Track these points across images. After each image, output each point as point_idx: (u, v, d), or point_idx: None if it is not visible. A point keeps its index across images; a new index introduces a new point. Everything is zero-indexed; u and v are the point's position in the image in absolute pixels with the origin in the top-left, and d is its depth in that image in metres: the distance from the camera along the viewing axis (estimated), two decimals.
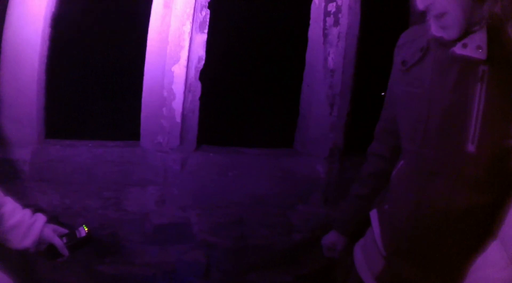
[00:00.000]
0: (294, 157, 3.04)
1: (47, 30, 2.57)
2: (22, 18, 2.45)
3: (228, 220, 2.81)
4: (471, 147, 1.28)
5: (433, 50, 1.38)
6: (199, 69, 2.79)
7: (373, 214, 1.63)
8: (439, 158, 1.34)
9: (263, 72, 4.75)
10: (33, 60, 2.53)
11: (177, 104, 2.72)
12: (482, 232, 1.15)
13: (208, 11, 2.75)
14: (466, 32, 1.29)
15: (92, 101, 3.72)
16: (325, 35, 2.88)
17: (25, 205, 1.87)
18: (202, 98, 2.83)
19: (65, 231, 1.97)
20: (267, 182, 2.90)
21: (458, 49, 1.29)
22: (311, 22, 2.97)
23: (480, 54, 1.26)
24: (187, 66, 2.71)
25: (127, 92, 3.10)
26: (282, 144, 3.23)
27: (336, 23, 2.84)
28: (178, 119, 2.74)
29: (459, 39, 1.29)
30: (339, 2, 2.82)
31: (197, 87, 2.81)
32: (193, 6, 2.66)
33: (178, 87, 2.70)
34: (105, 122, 3.55)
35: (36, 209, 1.96)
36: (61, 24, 2.63)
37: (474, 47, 1.27)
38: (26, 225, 1.79)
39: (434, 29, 1.35)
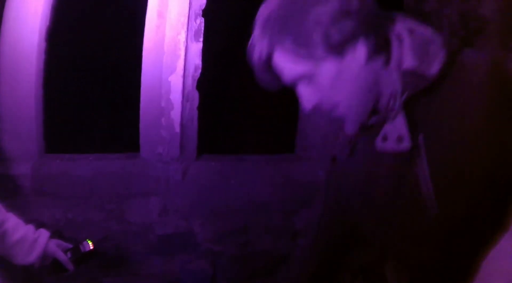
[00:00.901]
0: (296, 162, 3.03)
1: (43, 44, 2.57)
2: (17, 33, 2.45)
3: (232, 227, 2.80)
4: None
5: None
6: (196, 78, 2.78)
7: None
8: None
9: None
10: (30, 75, 2.52)
11: (176, 114, 2.70)
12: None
13: (203, 19, 2.75)
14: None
15: (90, 114, 3.72)
16: None
17: (27, 220, 1.87)
18: (201, 107, 2.82)
19: (69, 245, 1.97)
20: (270, 188, 2.89)
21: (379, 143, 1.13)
22: None
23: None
24: (184, 76, 2.70)
25: (125, 104, 3.09)
26: (284, 150, 3.21)
27: None
28: (177, 129, 2.72)
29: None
30: None
31: (195, 96, 2.80)
32: (187, 15, 2.65)
33: (176, 97, 2.69)
34: (104, 134, 3.54)
35: (39, 224, 1.96)
36: (56, 38, 2.63)
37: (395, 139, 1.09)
38: (30, 240, 1.79)
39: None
